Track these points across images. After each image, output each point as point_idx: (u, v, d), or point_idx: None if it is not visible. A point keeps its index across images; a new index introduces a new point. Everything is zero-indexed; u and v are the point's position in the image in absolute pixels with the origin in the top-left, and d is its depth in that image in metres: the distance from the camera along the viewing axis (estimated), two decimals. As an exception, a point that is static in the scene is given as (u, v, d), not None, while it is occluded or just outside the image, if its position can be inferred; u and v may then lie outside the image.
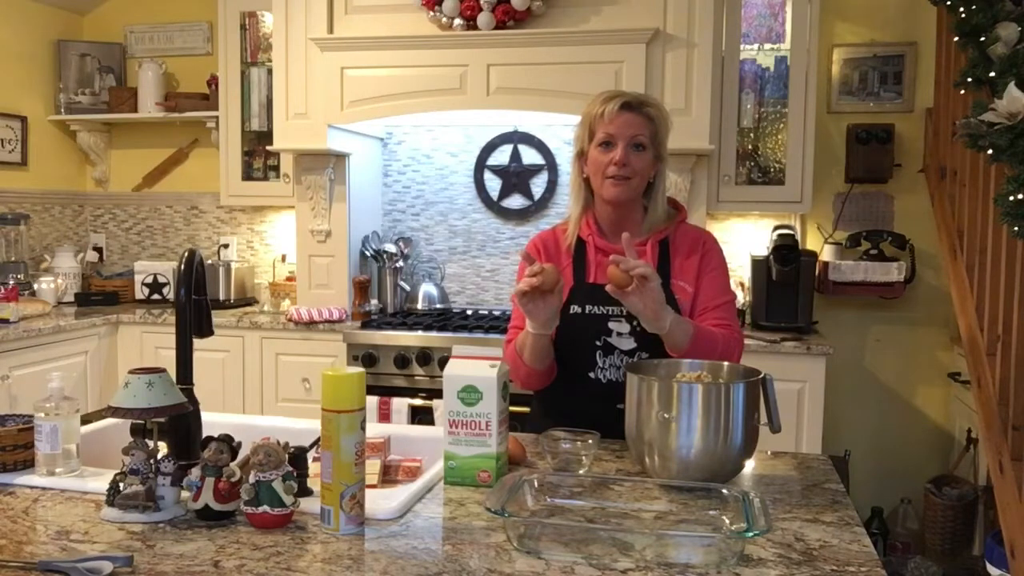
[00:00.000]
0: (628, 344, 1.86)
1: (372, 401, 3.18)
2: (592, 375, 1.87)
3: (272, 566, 1.14)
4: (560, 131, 3.75)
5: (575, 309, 1.89)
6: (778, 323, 3.34)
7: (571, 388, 1.87)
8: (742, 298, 3.50)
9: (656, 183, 1.91)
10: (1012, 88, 2.14)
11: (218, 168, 3.89)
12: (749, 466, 1.59)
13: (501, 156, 3.85)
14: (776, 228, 3.45)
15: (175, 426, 1.47)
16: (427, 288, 3.78)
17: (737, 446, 1.46)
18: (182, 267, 1.55)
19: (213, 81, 4.00)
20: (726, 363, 1.66)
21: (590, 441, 1.62)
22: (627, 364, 1.67)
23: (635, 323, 1.84)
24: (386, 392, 3.25)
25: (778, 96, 3.45)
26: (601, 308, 1.87)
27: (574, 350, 1.89)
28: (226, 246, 4.15)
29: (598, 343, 1.86)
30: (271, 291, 3.87)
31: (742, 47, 3.42)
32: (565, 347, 1.91)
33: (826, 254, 3.51)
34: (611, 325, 1.86)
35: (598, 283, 1.87)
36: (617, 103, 1.83)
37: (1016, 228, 2.09)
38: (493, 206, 3.87)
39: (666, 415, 1.44)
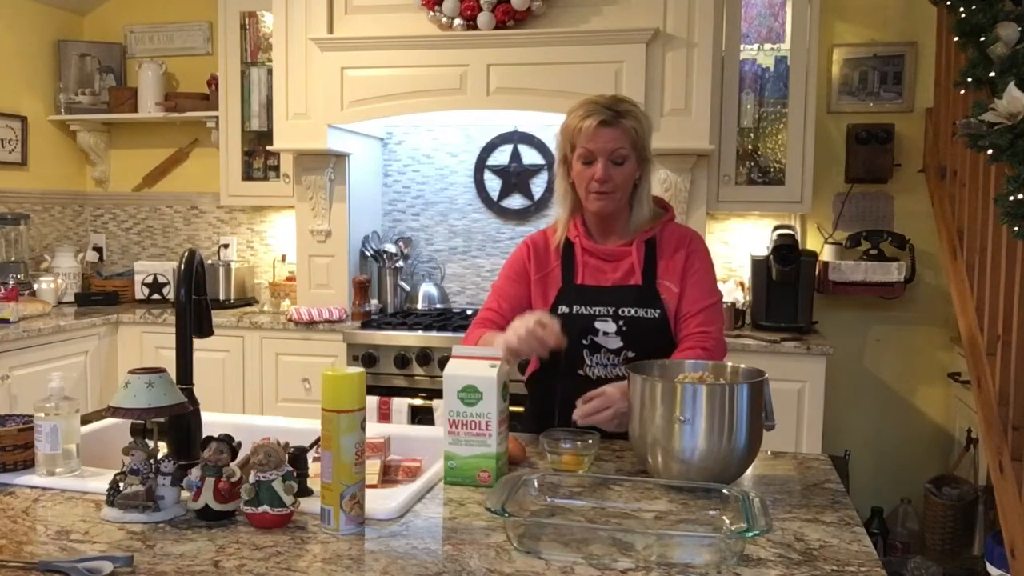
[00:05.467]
0: (615, 343, 1.87)
1: (372, 401, 3.18)
2: (581, 372, 1.90)
3: (272, 566, 1.14)
4: (558, 131, 3.74)
5: (563, 309, 1.91)
6: (778, 323, 3.34)
7: (562, 386, 1.87)
8: (742, 298, 3.50)
9: (641, 183, 1.91)
10: (1012, 88, 2.14)
11: (218, 168, 3.89)
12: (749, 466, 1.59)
13: (501, 156, 3.85)
14: (776, 228, 3.45)
15: (175, 426, 1.47)
16: (427, 288, 3.78)
17: (741, 448, 1.46)
18: (182, 267, 1.55)
19: (213, 81, 4.00)
20: (729, 363, 1.66)
21: (590, 441, 1.62)
22: (629, 365, 1.67)
23: (621, 323, 1.87)
24: (386, 392, 3.25)
25: (778, 96, 3.45)
26: (588, 308, 1.89)
27: (562, 350, 1.90)
28: (226, 246, 4.15)
29: (585, 342, 1.89)
30: (271, 291, 3.87)
31: (742, 47, 3.42)
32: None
33: (826, 254, 3.51)
34: (597, 324, 1.88)
35: (585, 284, 1.91)
36: (594, 120, 1.83)
37: (1016, 228, 2.09)
38: (493, 206, 3.87)
39: (682, 418, 1.43)
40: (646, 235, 1.92)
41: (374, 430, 1.70)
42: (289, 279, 3.88)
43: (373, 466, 1.59)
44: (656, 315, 1.87)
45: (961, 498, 3.14)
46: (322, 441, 1.27)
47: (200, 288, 1.56)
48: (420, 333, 3.28)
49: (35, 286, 3.76)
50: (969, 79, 2.44)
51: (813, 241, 3.63)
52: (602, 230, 1.95)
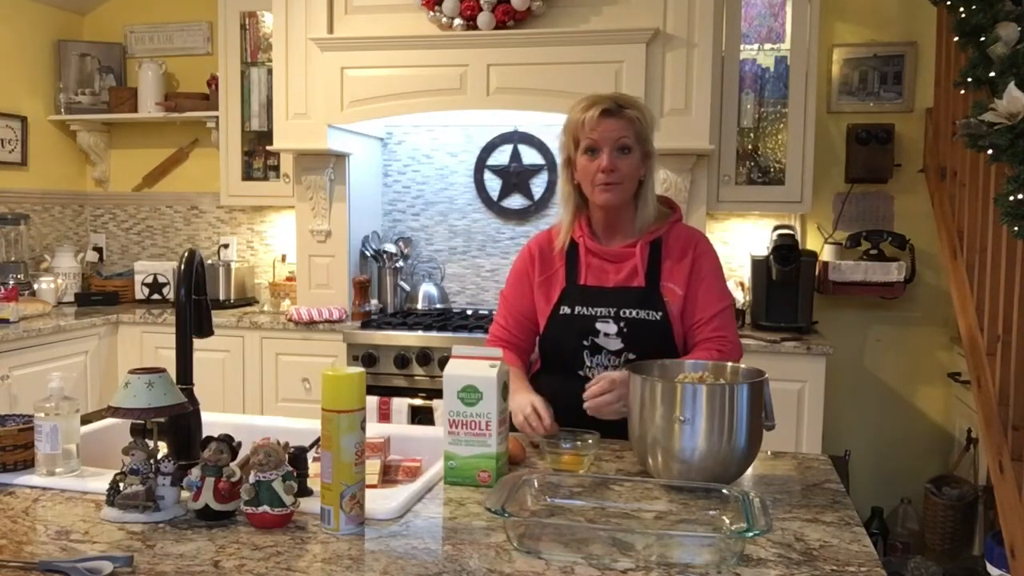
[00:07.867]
0: (615, 345, 1.87)
1: (372, 401, 3.18)
2: (581, 373, 1.89)
3: (272, 566, 1.14)
4: (560, 131, 3.75)
5: (565, 310, 1.91)
6: (778, 323, 3.34)
7: (562, 386, 1.87)
8: (742, 298, 3.50)
9: (645, 181, 1.90)
10: (1012, 88, 2.14)
11: (218, 168, 3.89)
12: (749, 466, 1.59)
13: (501, 156, 3.85)
14: (776, 228, 3.45)
15: (175, 426, 1.47)
16: (427, 288, 3.78)
17: (741, 448, 1.46)
18: (182, 267, 1.55)
19: (213, 81, 4.00)
20: (729, 363, 1.66)
21: (590, 441, 1.62)
22: (629, 365, 1.67)
23: (622, 324, 1.86)
24: (386, 392, 3.25)
25: (778, 96, 3.45)
26: (589, 309, 1.89)
27: (562, 350, 1.91)
28: (226, 246, 4.15)
29: (585, 343, 1.88)
30: (271, 291, 3.87)
31: (742, 47, 3.42)
32: (554, 347, 1.93)
33: (826, 254, 3.51)
34: (598, 326, 1.88)
35: (588, 285, 1.90)
36: (597, 110, 1.83)
37: (1016, 228, 2.09)
38: (493, 206, 3.86)
39: (682, 418, 1.43)
40: (651, 236, 1.91)
41: (374, 430, 1.70)
42: (289, 279, 3.87)
43: (373, 466, 1.59)
44: (658, 317, 1.86)
45: (961, 498, 3.14)
46: (322, 441, 1.27)
47: (200, 288, 1.56)
48: (420, 333, 3.28)
49: (35, 286, 3.76)
50: (969, 79, 2.44)
51: (813, 241, 3.63)
52: (607, 230, 1.94)
